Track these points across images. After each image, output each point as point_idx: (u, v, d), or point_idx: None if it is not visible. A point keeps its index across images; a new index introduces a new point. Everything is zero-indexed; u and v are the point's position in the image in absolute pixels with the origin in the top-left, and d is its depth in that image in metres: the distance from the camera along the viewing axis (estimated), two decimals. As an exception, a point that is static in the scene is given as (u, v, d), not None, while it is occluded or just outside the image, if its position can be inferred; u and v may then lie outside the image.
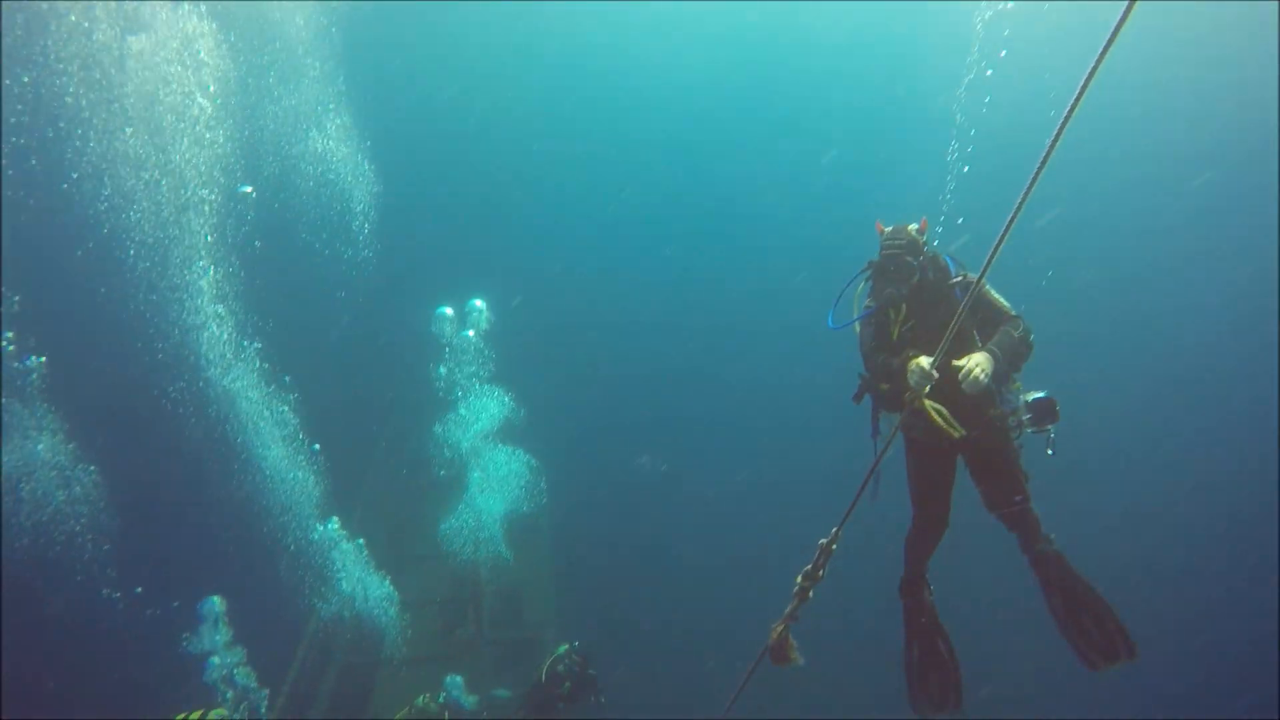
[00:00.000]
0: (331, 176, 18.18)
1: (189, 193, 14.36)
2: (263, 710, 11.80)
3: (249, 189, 16.18)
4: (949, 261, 4.91)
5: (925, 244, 4.90)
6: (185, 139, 14.24)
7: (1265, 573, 19.25)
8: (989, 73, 14.98)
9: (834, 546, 3.88)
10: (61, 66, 14.42)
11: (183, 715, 8.73)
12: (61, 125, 14.72)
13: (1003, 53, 15.68)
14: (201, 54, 14.11)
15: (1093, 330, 24.10)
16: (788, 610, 4.02)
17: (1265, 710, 16.70)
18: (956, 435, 4.24)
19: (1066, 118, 2.53)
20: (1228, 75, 23.69)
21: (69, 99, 14.51)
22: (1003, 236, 2.91)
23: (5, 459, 13.75)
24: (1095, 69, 2.40)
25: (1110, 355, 24.29)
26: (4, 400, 13.87)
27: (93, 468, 14.62)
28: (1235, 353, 24.03)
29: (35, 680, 16.17)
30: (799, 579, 3.98)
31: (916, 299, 4.77)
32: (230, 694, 11.64)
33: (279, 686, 13.16)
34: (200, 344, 14.49)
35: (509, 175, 27.07)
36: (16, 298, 14.54)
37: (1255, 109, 23.40)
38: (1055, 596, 4.50)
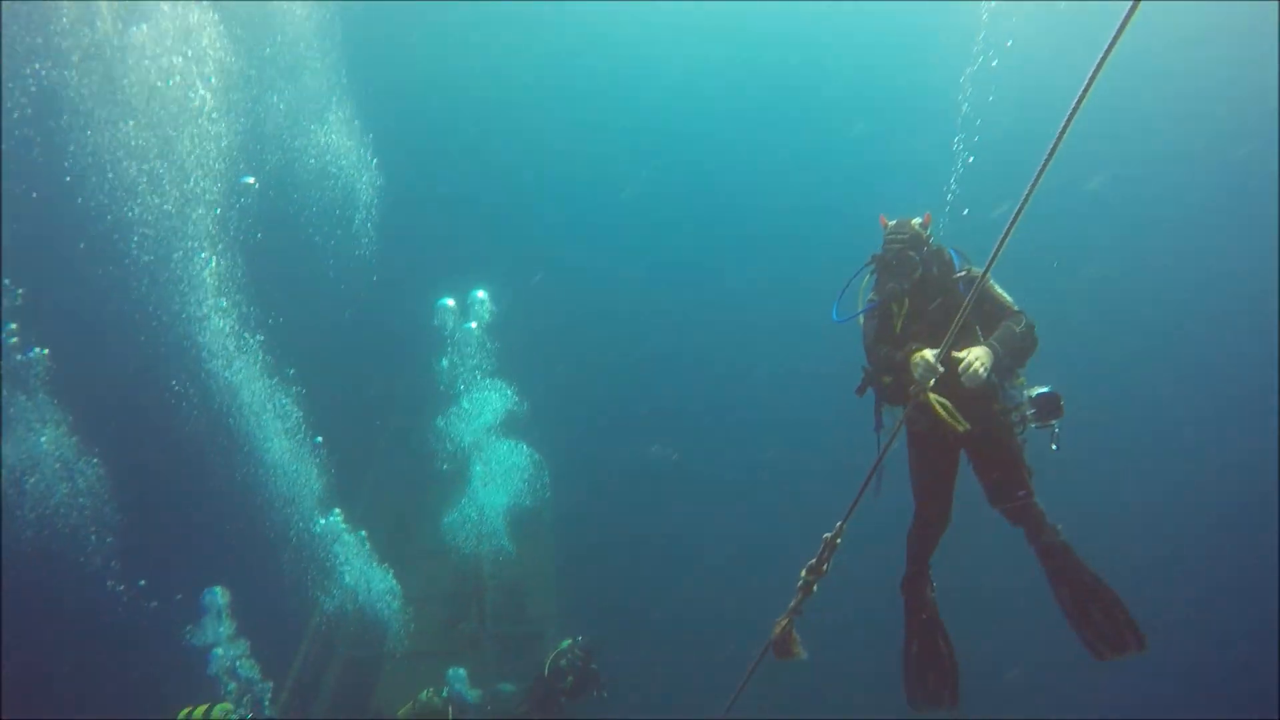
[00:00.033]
0: (334, 169, 18.17)
1: (191, 184, 14.36)
2: (266, 703, 11.81)
3: (251, 180, 16.16)
4: (954, 255, 4.91)
5: (928, 239, 4.89)
6: (187, 130, 14.23)
7: (1266, 571, 19.20)
8: (994, 63, 14.93)
9: (838, 541, 3.87)
10: (63, 58, 14.41)
11: (188, 710, 8.71)
12: (65, 119, 14.72)
13: (1009, 42, 15.61)
14: (203, 45, 14.09)
15: (1096, 324, 24.04)
16: (791, 604, 4.01)
17: (1265, 710, 16.66)
18: (961, 429, 4.23)
19: (1073, 113, 2.52)
20: (1228, 74, 23.68)
21: (70, 91, 14.49)
22: (1007, 233, 2.89)
23: (9, 452, 13.78)
24: (1102, 63, 2.37)
25: (1114, 349, 24.23)
26: (7, 393, 13.88)
27: (96, 460, 14.64)
28: (1236, 352, 23.98)
29: (38, 674, 16.22)
30: (803, 573, 3.96)
31: (919, 293, 4.77)
32: (234, 685, 11.65)
33: (283, 680, 13.17)
34: (203, 337, 14.50)
35: (513, 166, 27.03)
36: (20, 290, 14.55)
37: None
38: (1063, 587, 4.51)
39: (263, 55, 16.86)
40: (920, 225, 4.90)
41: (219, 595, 12.24)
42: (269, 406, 14.82)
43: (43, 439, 14.15)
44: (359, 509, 17.29)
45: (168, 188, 14.39)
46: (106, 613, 14.99)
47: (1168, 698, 16.73)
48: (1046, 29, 19.77)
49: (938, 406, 4.18)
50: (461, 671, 11.34)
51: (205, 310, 14.36)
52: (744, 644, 4.40)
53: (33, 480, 14.09)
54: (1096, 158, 23.36)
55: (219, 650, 11.86)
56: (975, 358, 4.19)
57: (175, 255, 14.41)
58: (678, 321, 28.08)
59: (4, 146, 15.59)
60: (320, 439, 15.28)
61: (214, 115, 14.45)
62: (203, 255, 14.42)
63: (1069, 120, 2.54)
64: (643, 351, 27.19)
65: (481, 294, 16.94)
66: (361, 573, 14.64)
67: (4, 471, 13.67)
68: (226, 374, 14.59)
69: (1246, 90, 23.51)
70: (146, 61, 13.88)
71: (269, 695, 11.98)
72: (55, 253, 17.08)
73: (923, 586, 4.98)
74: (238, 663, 11.86)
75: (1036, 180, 2.70)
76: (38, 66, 14.68)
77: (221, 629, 12.07)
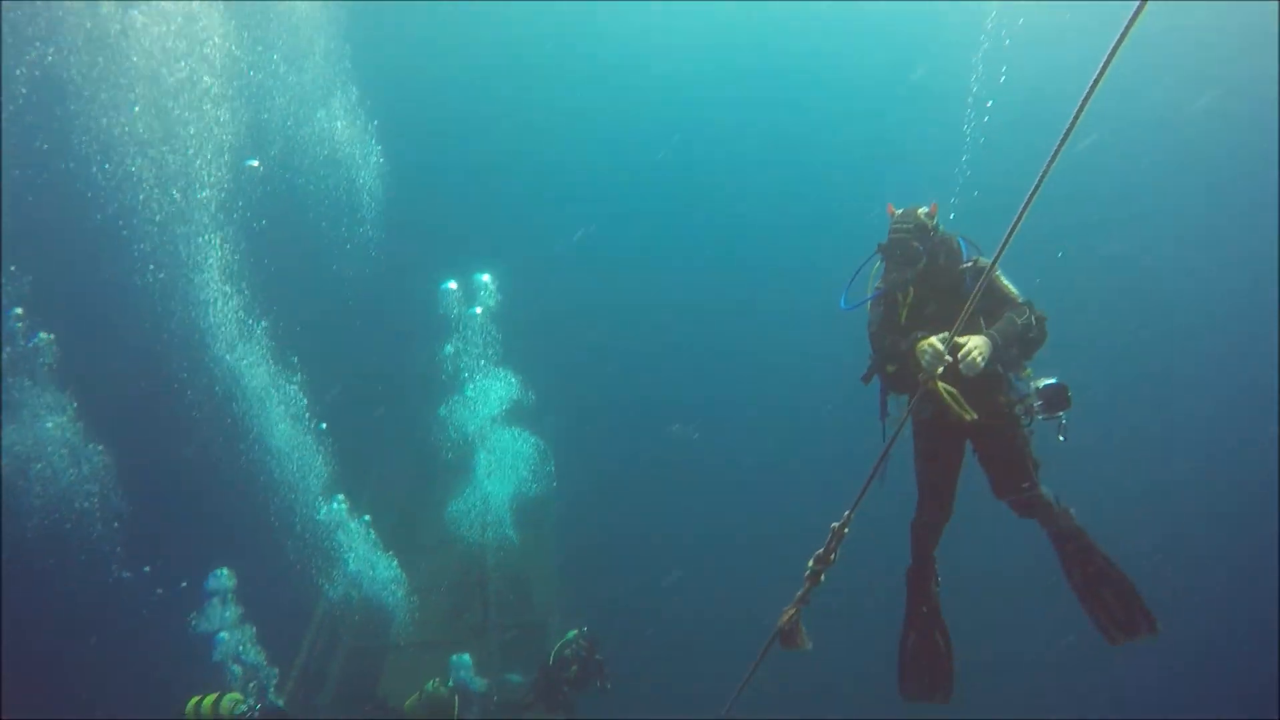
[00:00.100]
0: (338, 155, 18.13)
1: (195, 170, 14.33)
2: (271, 690, 11.77)
3: (255, 163, 16.12)
4: (962, 244, 4.86)
5: (935, 228, 4.84)
6: (191, 116, 14.19)
7: (1267, 572, 19.12)
8: (1007, 42, 14.88)
9: (846, 530, 3.84)
10: (66, 44, 14.37)
11: (196, 699, 8.65)
12: (71, 106, 14.69)
13: (1008, 41, 15.56)
14: (207, 31, 14.05)
15: (1102, 319, 23.94)
16: (799, 594, 3.98)
17: (1265, 710, 16.63)
18: (968, 418, 4.19)
19: (1081, 107, 2.48)
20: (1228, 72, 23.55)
21: (74, 76, 14.46)
22: (1015, 226, 2.86)
23: (15, 437, 13.79)
24: (1110, 57, 2.34)
25: (1118, 345, 24.14)
26: (13, 379, 13.90)
27: (101, 446, 14.66)
28: (1237, 351, 23.88)
29: (43, 661, 16.28)
30: (810, 563, 3.94)
31: (925, 282, 4.72)
32: (239, 670, 11.62)
33: (288, 669, 13.16)
34: (208, 323, 14.49)
35: (517, 153, 26.94)
36: (29, 277, 14.56)
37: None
38: (1075, 571, 4.53)
39: (266, 38, 16.80)
40: (927, 214, 4.83)
41: (225, 577, 12.18)
42: (273, 392, 14.82)
43: (48, 425, 14.16)
44: (364, 498, 17.30)
45: (172, 173, 14.37)
46: (111, 599, 15.04)
47: (1168, 697, 16.72)
48: (1056, 23, 19.69)
49: (945, 395, 4.15)
50: (466, 658, 11.29)
51: (210, 295, 14.34)
52: (750, 635, 4.38)
53: (39, 466, 14.12)
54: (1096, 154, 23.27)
55: (224, 635, 11.83)
56: (973, 346, 4.14)
57: (180, 241, 14.40)
58: (684, 309, 28.00)
59: (7, 132, 15.58)
60: (324, 425, 15.28)
61: (218, 100, 14.41)
62: (207, 238, 14.40)
63: (1075, 119, 2.50)
64: (650, 339, 27.13)
65: (486, 278, 16.80)
66: (366, 558, 14.64)
67: (10, 458, 13.69)
68: (231, 360, 14.59)
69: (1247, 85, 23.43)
70: (151, 45, 13.84)
71: (274, 681, 11.96)
72: (61, 239, 17.09)
73: (926, 579, 4.94)
74: (242, 648, 11.84)
75: (1043, 177, 2.66)
76: (41, 52, 14.65)
77: (227, 613, 12.04)
